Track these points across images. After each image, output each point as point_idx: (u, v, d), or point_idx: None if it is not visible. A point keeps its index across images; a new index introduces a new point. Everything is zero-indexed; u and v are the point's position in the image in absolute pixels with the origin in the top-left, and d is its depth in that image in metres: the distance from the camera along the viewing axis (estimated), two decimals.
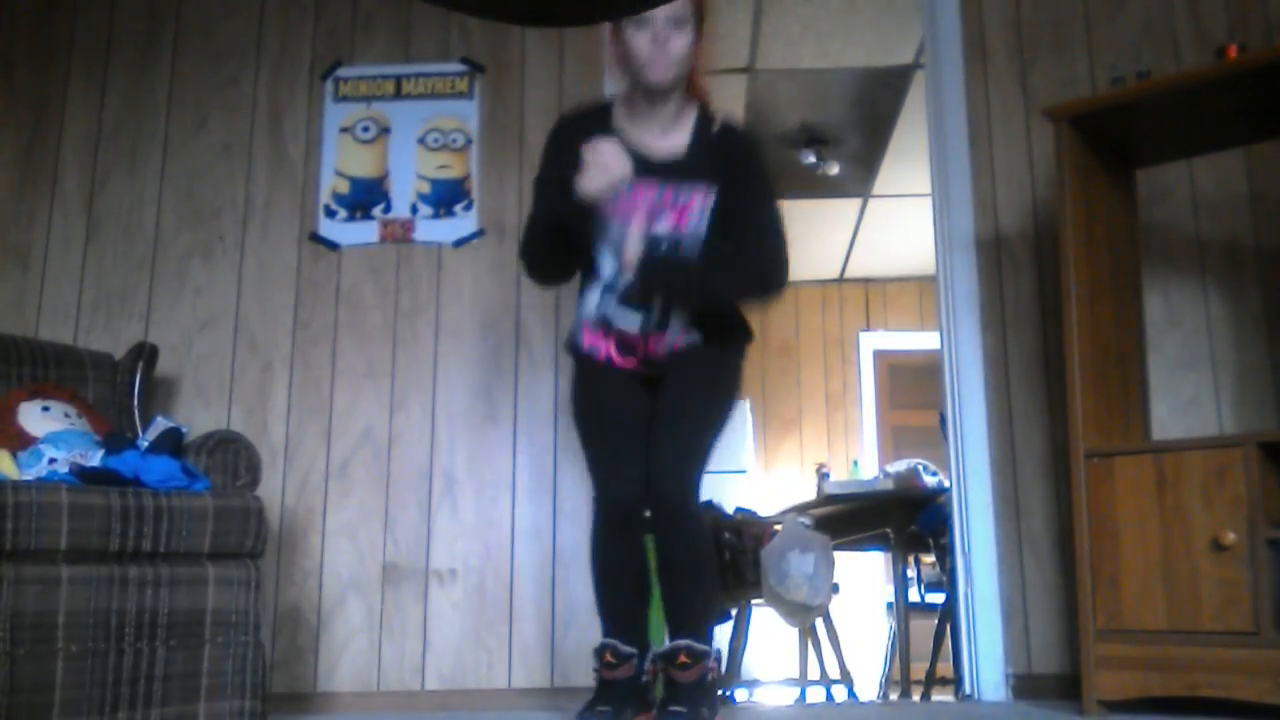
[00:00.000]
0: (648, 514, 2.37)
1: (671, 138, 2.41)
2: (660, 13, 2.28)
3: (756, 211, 2.39)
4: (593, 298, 2.42)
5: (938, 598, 4.40)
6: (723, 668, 2.54)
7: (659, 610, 2.49)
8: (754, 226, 2.38)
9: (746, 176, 2.40)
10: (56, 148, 3.53)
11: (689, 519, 2.33)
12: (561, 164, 2.37)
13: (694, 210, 2.36)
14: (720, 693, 2.47)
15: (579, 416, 2.49)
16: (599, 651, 2.38)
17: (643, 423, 2.39)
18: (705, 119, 2.43)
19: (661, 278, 2.35)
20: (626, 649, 2.36)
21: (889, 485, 4.45)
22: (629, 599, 2.44)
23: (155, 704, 2.32)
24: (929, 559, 4.51)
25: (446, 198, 3.45)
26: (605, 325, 2.41)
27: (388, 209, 3.46)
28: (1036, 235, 3.29)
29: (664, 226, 2.35)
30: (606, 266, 2.39)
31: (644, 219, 2.35)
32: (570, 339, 2.53)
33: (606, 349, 2.43)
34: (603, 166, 2.27)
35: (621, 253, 2.36)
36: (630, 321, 2.39)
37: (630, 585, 2.44)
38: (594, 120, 2.44)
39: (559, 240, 2.40)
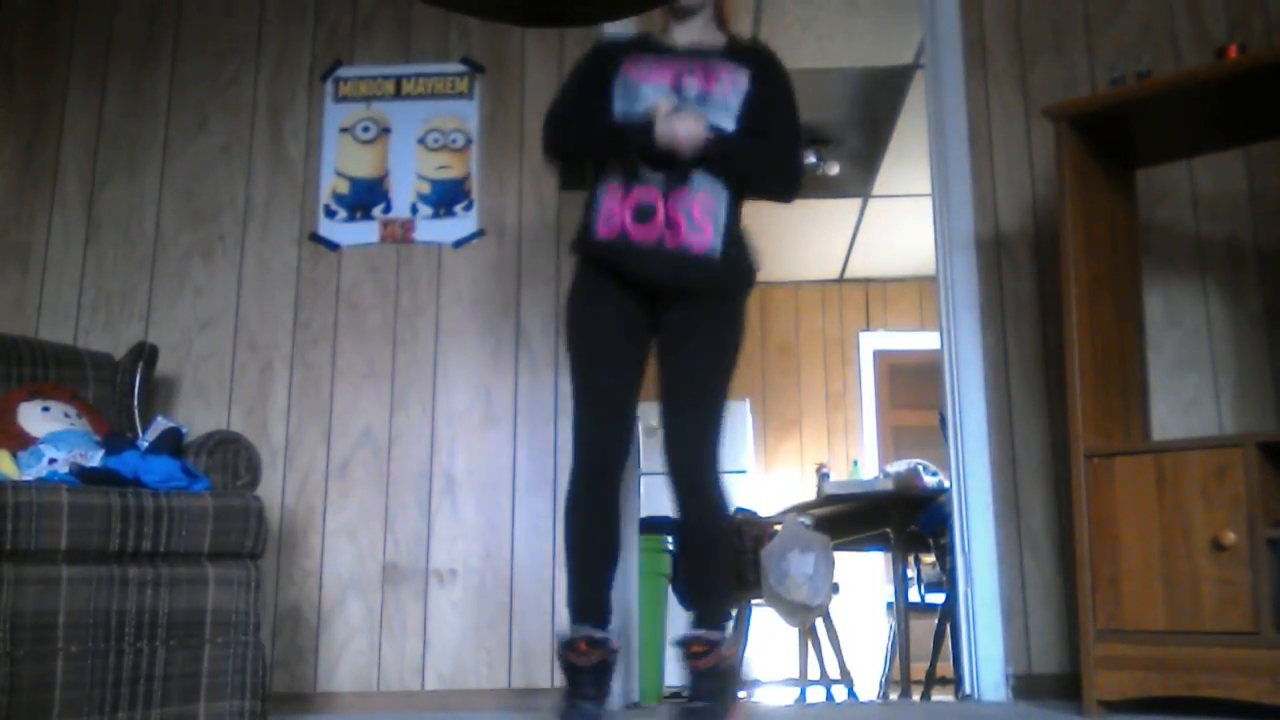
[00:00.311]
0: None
1: (704, 44, 2.52)
2: None
3: (786, 122, 2.49)
4: (614, 159, 2.40)
5: (938, 598, 4.40)
6: (741, 652, 2.51)
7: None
8: (785, 131, 2.48)
9: (776, 87, 2.49)
10: (56, 148, 3.53)
11: (713, 488, 2.33)
12: (588, 70, 2.51)
13: (723, 79, 2.41)
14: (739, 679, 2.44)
15: (575, 331, 2.45)
16: (570, 643, 2.29)
17: (637, 371, 2.39)
18: (733, 39, 2.56)
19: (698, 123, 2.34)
20: (600, 635, 2.30)
21: (889, 485, 4.45)
22: (600, 565, 2.38)
23: (155, 704, 2.32)
24: (929, 559, 4.51)
25: (446, 198, 3.45)
26: (628, 182, 2.35)
27: (388, 209, 3.46)
28: (1036, 235, 3.29)
29: (692, 87, 2.39)
30: (630, 122, 2.38)
31: (672, 78, 2.40)
32: (581, 231, 2.47)
33: (622, 217, 2.35)
34: (680, 126, 2.31)
35: (649, 110, 2.36)
36: (654, 177, 2.34)
37: (602, 549, 2.38)
38: (630, 42, 2.55)
39: (603, 147, 2.45)
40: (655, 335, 2.44)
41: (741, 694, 2.44)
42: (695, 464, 2.31)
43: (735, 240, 2.40)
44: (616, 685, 3.09)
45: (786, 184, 2.48)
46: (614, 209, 2.36)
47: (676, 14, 2.49)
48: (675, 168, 2.32)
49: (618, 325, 2.40)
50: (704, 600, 2.35)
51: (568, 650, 2.30)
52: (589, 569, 2.37)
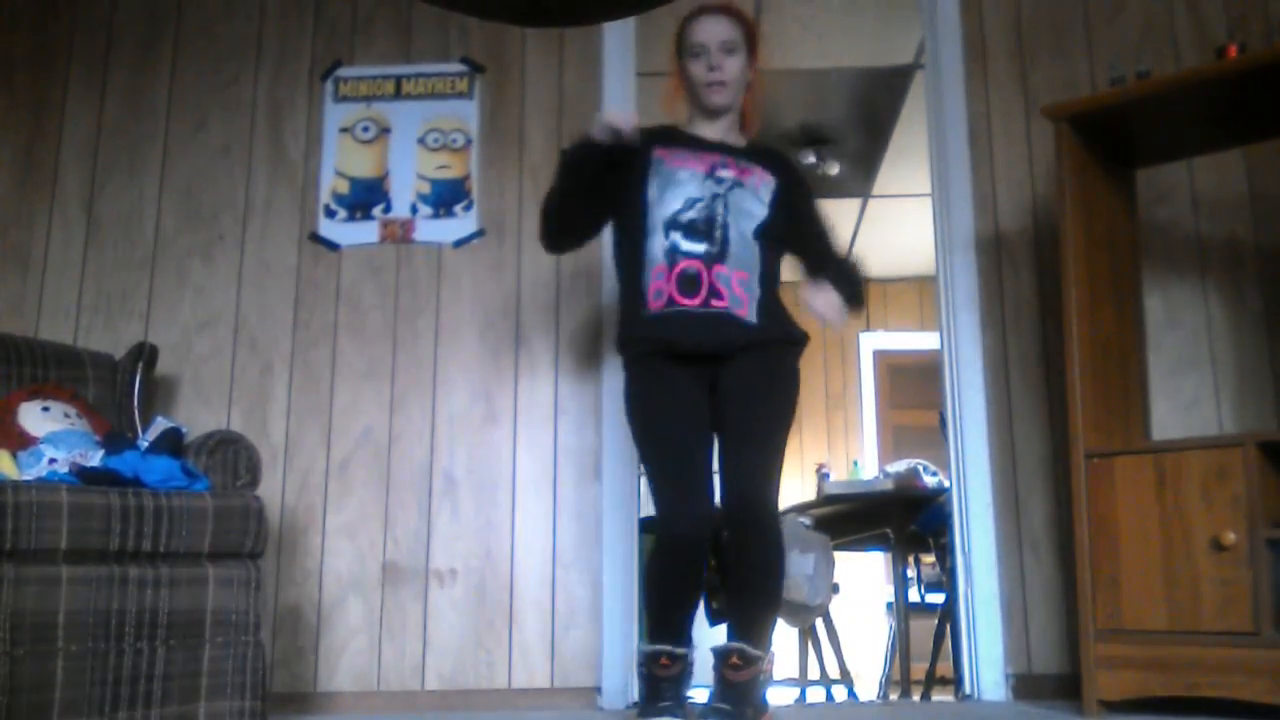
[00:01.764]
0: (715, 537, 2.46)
1: (728, 141, 2.63)
2: (714, 40, 2.52)
3: (822, 222, 2.66)
4: (655, 241, 2.45)
5: (938, 598, 4.40)
6: (773, 669, 2.59)
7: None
8: (827, 233, 2.66)
9: (803, 189, 2.66)
10: (56, 148, 3.53)
11: (770, 533, 2.39)
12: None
13: (754, 175, 2.51)
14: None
15: (641, 424, 2.48)
16: (653, 657, 2.39)
17: (707, 441, 2.43)
18: (753, 142, 2.69)
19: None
20: (680, 650, 2.40)
21: (889, 485, 4.45)
22: (686, 613, 2.45)
23: (155, 704, 2.32)
24: (929, 559, 4.50)
25: (446, 198, 3.45)
26: (672, 255, 2.42)
27: (388, 209, 3.46)
28: (1036, 235, 3.29)
29: (727, 175, 2.48)
30: (665, 209, 2.45)
31: (707, 167, 2.49)
32: (626, 320, 2.54)
33: (670, 290, 2.41)
34: (613, 116, 2.44)
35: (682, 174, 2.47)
36: (695, 247, 2.41)
37: (688, 604, 2.46)
38: (657, 130, 2.61)
39: (580, 182, 2.52)
40: (713, 398, 2.48)
41: (767, 707, 2.49)
42: (756, 511, 2.36)
43: (772, 313, 2.49)
44: (618, 684, 3.10)
45: (860, 294, 2.65)
46: (661, 285, 2.43)
47: (706, 112, 2.59)
48: (711, 237, 2.42)
49: (687, 412, 2.44)
50: (752, 622, 2.41)
51: (651, 663, 2.40)
52: (674, 606, 2.44)
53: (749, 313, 2.44)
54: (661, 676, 2.39)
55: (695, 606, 2.49)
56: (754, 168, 2.53)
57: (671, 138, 2.59)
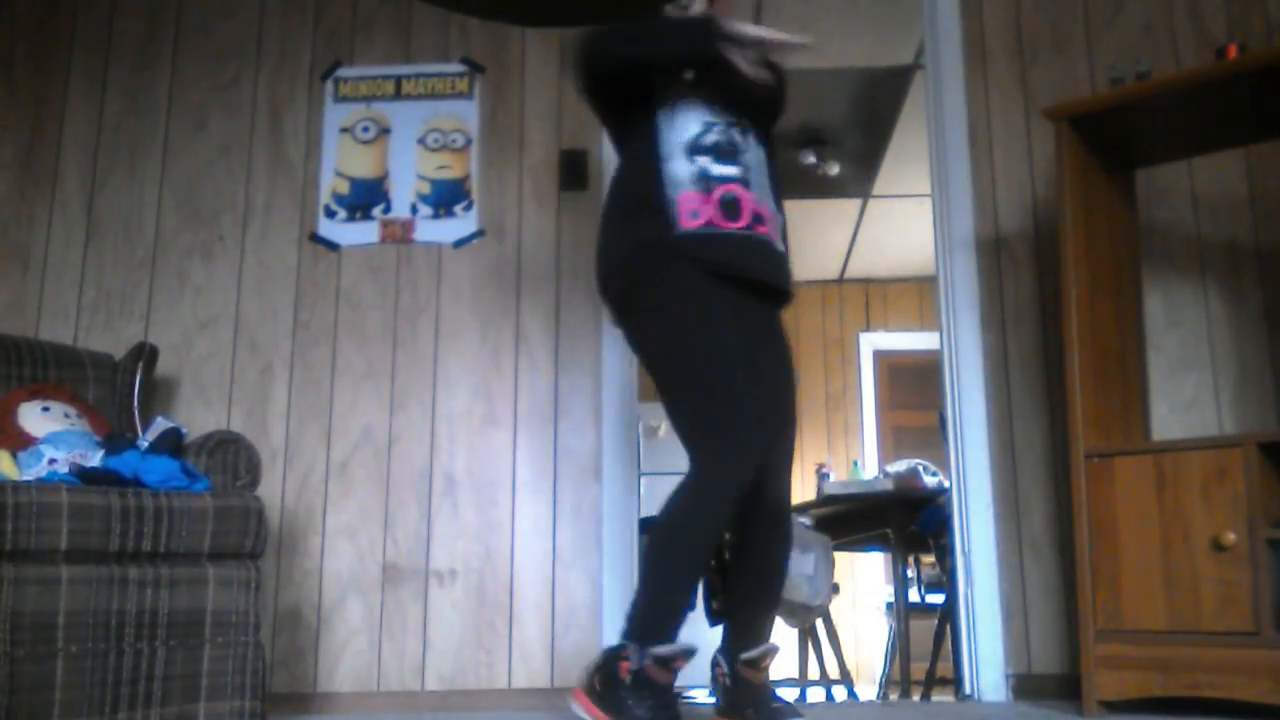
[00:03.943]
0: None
1: None
2: None
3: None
4: (678, 165, 2.23)
5: (938, 598, 4.40)
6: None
7: None
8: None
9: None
10: (56, 148, 3.53)
11: (790, 533, 2.33)
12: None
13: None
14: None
15: (713, 345, 2.14)
16: (669, 659, 2.06)
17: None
18: None
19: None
20: (692, 648, 2.11)
21: (889, 485, 4.45)
22: (698, 578, 2.20)
23: (155, 704, 2.32)
24: (929, 559, 4.50)
25: (446, 198, 3.45)
26: (705, 180, 2.21)
27: (388, 209, 3.46)
28: (1036, 235, 3.29)
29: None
30: (691, 126, 2.26)
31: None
32: (652, 232, 2.21)
33: (709, 212, 2.19)
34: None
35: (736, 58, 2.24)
36: (728, 170, 2.23)
37: (696, 588, 2.18)
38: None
39: (681, 59, 2.32)
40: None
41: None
42: (787, 497, 2.29)
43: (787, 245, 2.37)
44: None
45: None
46: (696, 206, 2.19)
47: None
48: (742, 160, 2.26)
49: (756, 342, 2.25)
50: (764, 621, 2.32)
51: (662, 668, 2.06)
52: (691, 584, 2.13)
53: (780, 243, 2.31)
54: (667, 685, 2.08)
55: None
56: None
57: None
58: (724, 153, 2.25)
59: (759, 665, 2.24)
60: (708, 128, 2.27)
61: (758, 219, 2.24)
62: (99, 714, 2.21)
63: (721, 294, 2.19)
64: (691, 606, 2.13)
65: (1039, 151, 3.31)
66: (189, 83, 3.57)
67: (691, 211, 2.19)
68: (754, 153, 2.32)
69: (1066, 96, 3.19)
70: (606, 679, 2.09)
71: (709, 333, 2.15)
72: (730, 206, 2.21)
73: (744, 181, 2.25)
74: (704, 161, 2.23)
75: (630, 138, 2.37)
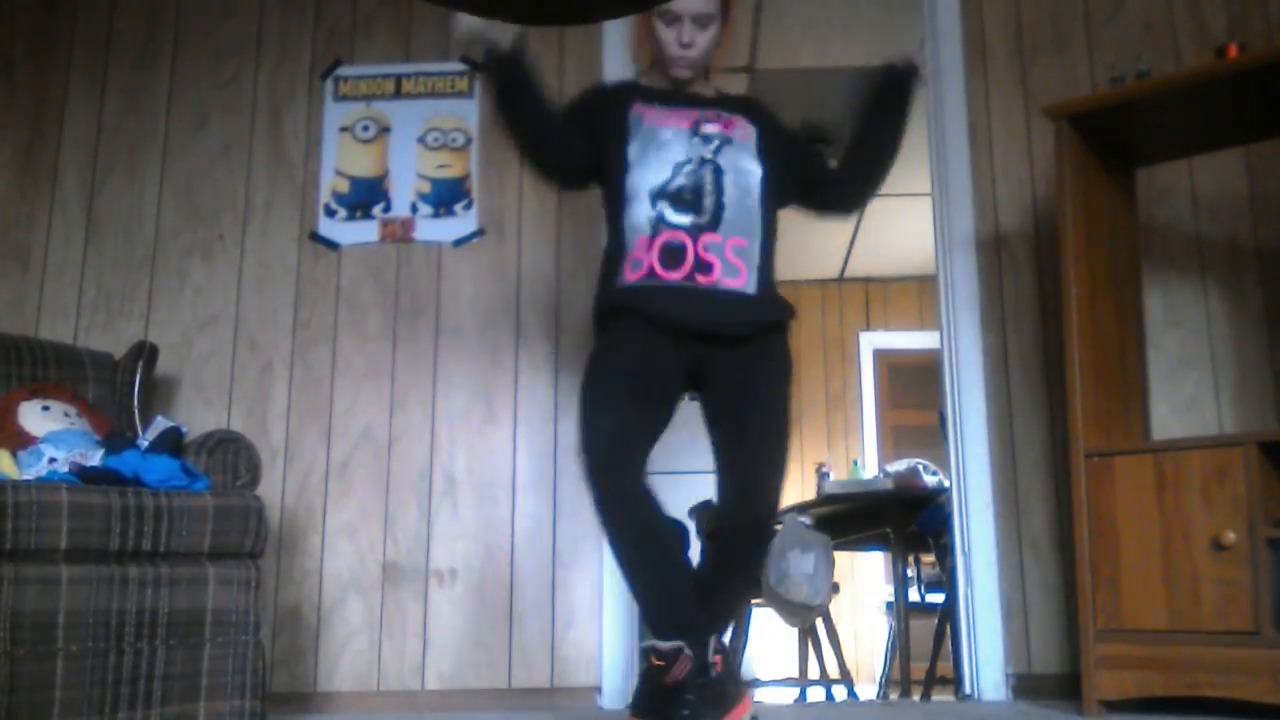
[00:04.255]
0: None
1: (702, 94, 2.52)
2: (689, 10, 2.36)
3: (816, 153, 2.55)
4: (638, 210, 2.30)
5: (938, 597, 4.40)
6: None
7: None
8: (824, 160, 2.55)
9: (780, 125, 2.51)
10: (56, 147, 3.53)
11: (767, 534, 2.33)
12: (576, 105, 2.49)
13: (738, 127, 2.39)
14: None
15: (600, 371, 2.27)
16: (644, 653, 2.13)
17: (654, 422, 2.26)
18: (719, 91, 2.56)
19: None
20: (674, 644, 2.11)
21: (889, 485, 4.45)
22: (663, 561, 2.19)
23: (155, 704, 2.32)
24: (929, 559, 4.50)
25: (446, 197, 3.45)
26: (657, 225, 2.27)
27: (388, 208, 3.45)
28: (1036, 235, 3.29)
29: (713, 130, 2.36)
30: (651, 176, 2.31)
31: (690, 122, 2.37)
32: (601, 287, 2.37)
33: (650, 261, 2.26)
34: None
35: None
36: (681, 219, 2.26)
37: (658, 543, 2.18)
38: (632, 86, 2.51)
39: (517, 101, 2.35)
40: (700, 392, 2.35)
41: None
42: (764, 511, 2.24)
43: (771, 284, 2.38)
44: (618, 684, 3.09)
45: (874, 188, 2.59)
46: (641, 255, 2.28)
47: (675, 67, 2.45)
48: (700, 208, 2.27)
49: (643, 368, 2.26)
50: (723, 615, 2.31)
51: (643, 659, 2.14)
52: (648, 582, 2.20)
53: (746, 282, 2.28)
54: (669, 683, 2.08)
55: (683, 563, 2.28)
56: (734, 118, 2.40)
57: (647, 94, 2.45)
58: (684, 200, 2.28)
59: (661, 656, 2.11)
60: (677, 170, 2.31)
61: (702, 267, 2.25)
62: (99, 714, 2.21)
63: (647, 335, 2.26)
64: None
65: (1039, 151, 3.31)
66: (189, 82, 3.57)
67: (635, 261, 2.29)
68: (733, 189, 2.31)
69: (1067, 95, 3.19)
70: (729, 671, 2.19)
71: (600, 362, 2.29)
72: (671, 256, 2.26)
73: (697, 228, 2.26)
74: (663, 206, 2.29)
75: (608, 181, 2.43)
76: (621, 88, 2.53)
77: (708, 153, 2.33)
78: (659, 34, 2.41)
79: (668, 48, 2.40)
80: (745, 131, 2.40)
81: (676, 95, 2.45)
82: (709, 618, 2.20)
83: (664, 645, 2.09)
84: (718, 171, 2.31)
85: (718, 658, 2.18)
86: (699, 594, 2.21)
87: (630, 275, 2.29)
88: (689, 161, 2.31)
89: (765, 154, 2.40)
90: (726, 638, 2.34)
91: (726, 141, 2.35)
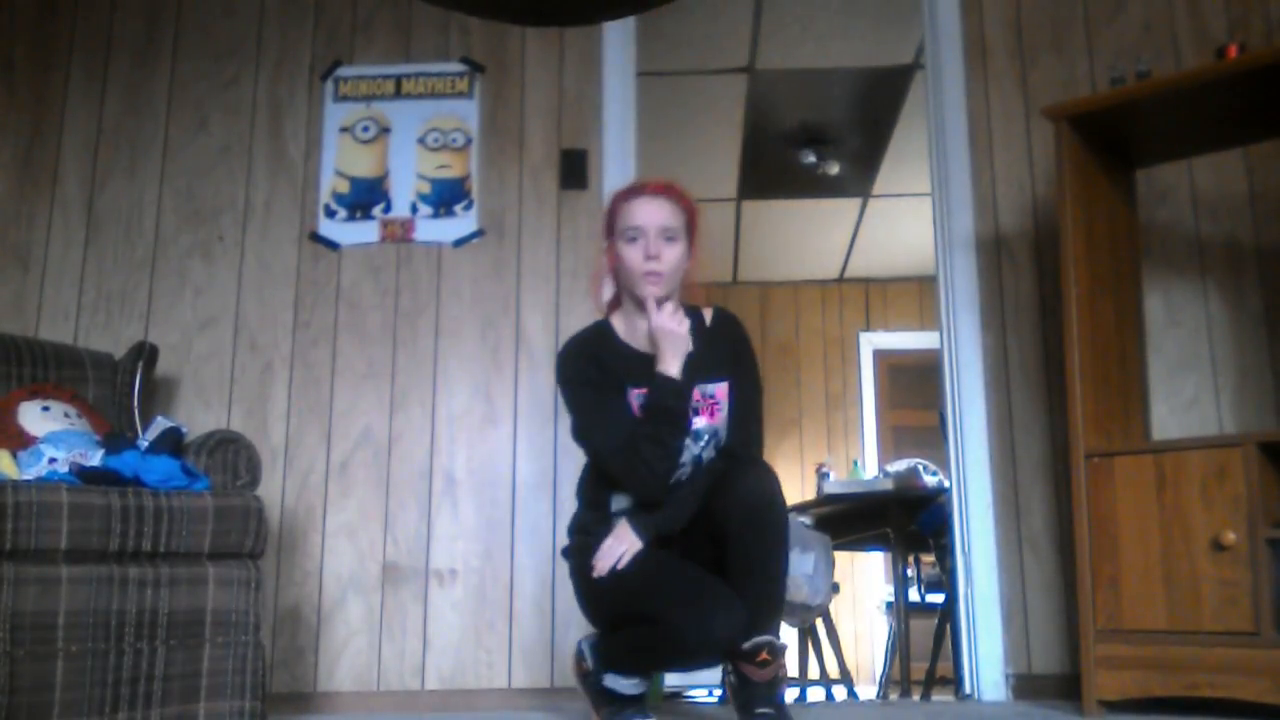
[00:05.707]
0: None
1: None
2: (652, 225, 2.28)
3: (751, 403, 2.38)
4: (618, 501, 2.34)
5: (938, 597, 4.40)
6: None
7: None
8: (750, 418, 2.37)
9: (743, 367, 2.39)
10: (56, 148, 3.53)
11: (764, 465, 2.21)
12: (595, 382, 2.32)
13: (721, 402, 2.33)
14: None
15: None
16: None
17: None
18: (699, 318, 2.40)
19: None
20: None
21: (889, 485, 4.44)
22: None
23: (155, 704, 2.32)
24: (929, 559, 4.50)
25: (446, 197, 3.45)
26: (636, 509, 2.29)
27: (388, 209, 3.46)
28: (1036, 235, 3.29)
29: (703, 423, 2.30)
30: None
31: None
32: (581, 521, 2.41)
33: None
34: (617, 543, 2.23)
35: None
36: (620, 504, 2.33)
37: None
38: (597, 343, 2.38)
39: (671, 430, 2.25)
40: None
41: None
42: (740, 447, 2.32)
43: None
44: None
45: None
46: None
47: (641, 304, 2.30)
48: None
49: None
50: (766, 602, 2.27)
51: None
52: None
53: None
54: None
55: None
56: (717, 385, 2.32)
57: (634, 370, 2.31)
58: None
59: (753, 659, 2.16)
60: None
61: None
62: (99, 714, 2.21)
63: None
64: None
65: (1039, 151, 3.31)
66: (189, 83, 3.57)
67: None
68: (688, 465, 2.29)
69: (1066, 96, 3.19)
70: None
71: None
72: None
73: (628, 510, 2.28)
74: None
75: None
76: (605, 365, 2.34)
77: (699, 450, 2.31)
78: (624, 255, 2.29)
79: (635, 266, 2.28)
80: (721, 395, 2.33)
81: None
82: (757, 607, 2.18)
83: (779, 641, 2.18)
84: (699, 463, 2.31)
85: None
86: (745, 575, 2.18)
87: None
88: (682, 466, 2.29)
89: (732, 390, 2.34)
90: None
91: (714, 436, 2.31)
